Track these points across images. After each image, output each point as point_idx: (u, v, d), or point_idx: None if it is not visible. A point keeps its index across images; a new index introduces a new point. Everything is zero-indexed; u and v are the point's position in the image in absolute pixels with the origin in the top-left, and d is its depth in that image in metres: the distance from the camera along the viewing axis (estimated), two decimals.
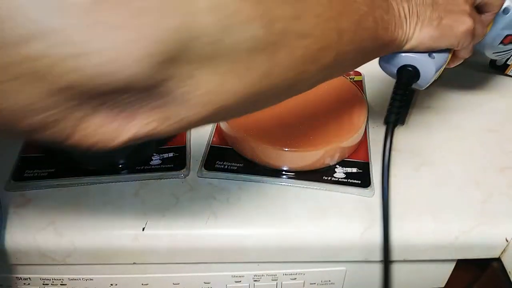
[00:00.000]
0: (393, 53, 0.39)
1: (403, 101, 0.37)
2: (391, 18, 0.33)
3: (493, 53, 0.49)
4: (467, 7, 0.36)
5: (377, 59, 0.40)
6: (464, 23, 0.36)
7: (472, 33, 0.36)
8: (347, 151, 0.45)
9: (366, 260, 0.42)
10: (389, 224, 0.34)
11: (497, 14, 0.41)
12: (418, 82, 0.39)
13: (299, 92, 0.29)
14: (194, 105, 0.22)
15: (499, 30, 0.45)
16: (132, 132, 0.23)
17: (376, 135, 0.49)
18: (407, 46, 0.36)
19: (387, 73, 0.41)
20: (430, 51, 0.37)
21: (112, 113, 0.21)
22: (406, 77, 0.38)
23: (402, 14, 0.34)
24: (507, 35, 0.46)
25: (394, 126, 0.36)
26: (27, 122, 0.19)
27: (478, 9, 0.39)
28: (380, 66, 0.41)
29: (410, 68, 0.38)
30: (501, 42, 0.47)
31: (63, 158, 0.44)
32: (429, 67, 0.38)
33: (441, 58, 0.39)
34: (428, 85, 0.40)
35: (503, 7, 0.43)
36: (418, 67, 0.38)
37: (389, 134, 0.35)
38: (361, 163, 0.45)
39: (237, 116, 0.29)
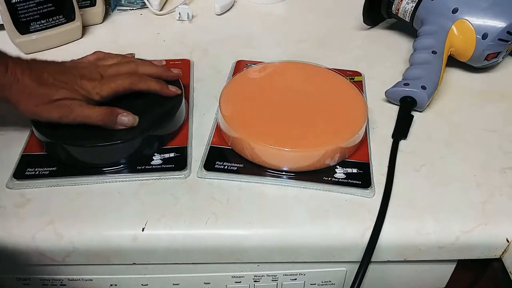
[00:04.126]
0: (396, 87, 0.51)
1: (406, 121, 0.50)
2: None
3: (481, 66, 0.57)
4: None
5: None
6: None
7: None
8: (348, 152, 0.45)
9: None
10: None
11: (478, 39, 0.53)
12: (416, 107, 0.51)
13: None
14: None
15: (481, 51, 0.54)
16: None
17: (377, 135, 0.49)
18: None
19: (393, 101, 0.53)
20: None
21: None
22: (407, 104, 0.51)
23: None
24: (488, 54, 0.54)
25: (399, 140, 0.48)
26: None
27: None
28: (386, 96, 0.53)
29: (409, 99, 0.51)
30: (485, 59, 0.55)
31: (65, 157, 0.44)
32: (423, 96, 0.50)
33: (432, 88, 0.51)
34: (425, 107, 0.51)
35: (483, 33, 0.53)
36: (414, 97, 0.50)
37: (395, 147, 0.47)
38: (362, 164, 0.45)
39: None
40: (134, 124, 0.44)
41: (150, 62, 0.51)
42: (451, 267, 0.47)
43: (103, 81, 0.44)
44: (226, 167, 0.44)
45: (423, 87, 0.50)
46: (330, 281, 0.46)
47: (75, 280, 0.44)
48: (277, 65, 0.54)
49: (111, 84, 0.44)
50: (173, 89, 0.48)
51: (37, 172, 0.43)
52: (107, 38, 0.64)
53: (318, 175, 0.44)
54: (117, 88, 0.45)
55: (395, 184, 0.43)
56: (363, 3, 0.63)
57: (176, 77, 0.50)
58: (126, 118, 0.44)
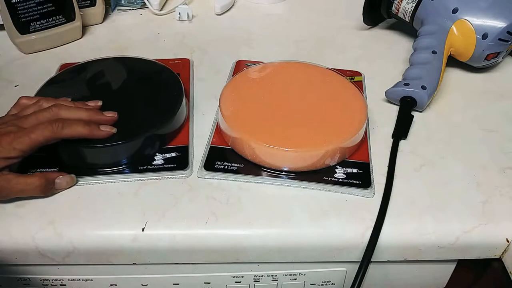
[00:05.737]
0: (396, 87, 0.52)
1: (406, 121, 0.50)
2: None
3: (481, 66, 0.57)
4: None
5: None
6: None
7: None
8: (348, 152, 0.45)
9: None
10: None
11: (478, 39, 0.53)
12: (416, 107, 0.51)
13: None
14: None
15: (481, 51, 0.54)
16: None
17: (376, 135, 0.49)
18: None
19: (393, 101, 0.53)
20: None
21: None
22: (407, 104, 0.51)
23: None
24: (488, 54, 0.54)
25: (399, 140, 0.48)
26: None
27: None
28: (386, 96, 0.53)
29: (409, 99, 0.51)
30: (485, 59, 0.55)
31: (66, 158, 0.44)
32: (423, 96, 0.50)
33: (432, 88, 0.51)
34: (425, 107, 0.52)
35: (483, 33, 0.53)
36: (414, 97, 0.51)
37: (395, 147, 0.47)
38: (362, 164, 0.45)
39: None
40: (72, 183, 0.42)
41: (81, 104, 0.45)
42: (451, 267, 0.47)
43: (20, 134, 0.39)
44: (226, 167, 0.44)
45: (423, 87, 0.50)
46: (330, 281, 0.46)
47: (75, 280, 0.44)
48: (277, 65, 0.54)
49: (30, 135, 0.39)
50: (106, 129, 0.43)
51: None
52: (107, 38, 0.64)
53: (318, 175, 0.44)
54: (36, 139, 0.39)
55: (395, 184, 0.43)
56: (363, 3, 0.63)
57: (110, 121, 0.44)
58: (63, 181, 0.41)
